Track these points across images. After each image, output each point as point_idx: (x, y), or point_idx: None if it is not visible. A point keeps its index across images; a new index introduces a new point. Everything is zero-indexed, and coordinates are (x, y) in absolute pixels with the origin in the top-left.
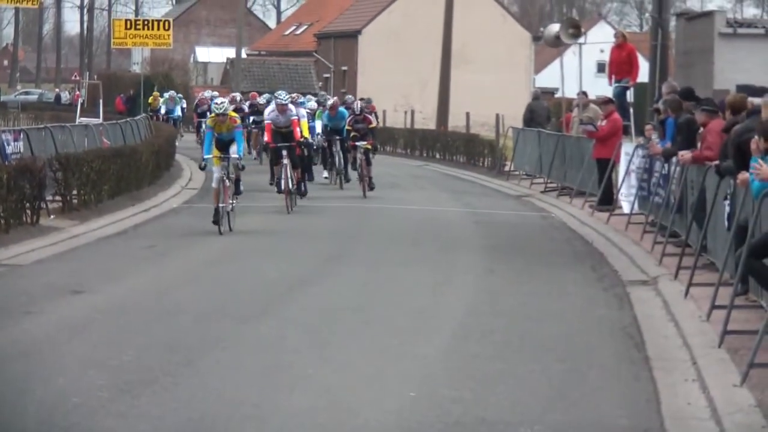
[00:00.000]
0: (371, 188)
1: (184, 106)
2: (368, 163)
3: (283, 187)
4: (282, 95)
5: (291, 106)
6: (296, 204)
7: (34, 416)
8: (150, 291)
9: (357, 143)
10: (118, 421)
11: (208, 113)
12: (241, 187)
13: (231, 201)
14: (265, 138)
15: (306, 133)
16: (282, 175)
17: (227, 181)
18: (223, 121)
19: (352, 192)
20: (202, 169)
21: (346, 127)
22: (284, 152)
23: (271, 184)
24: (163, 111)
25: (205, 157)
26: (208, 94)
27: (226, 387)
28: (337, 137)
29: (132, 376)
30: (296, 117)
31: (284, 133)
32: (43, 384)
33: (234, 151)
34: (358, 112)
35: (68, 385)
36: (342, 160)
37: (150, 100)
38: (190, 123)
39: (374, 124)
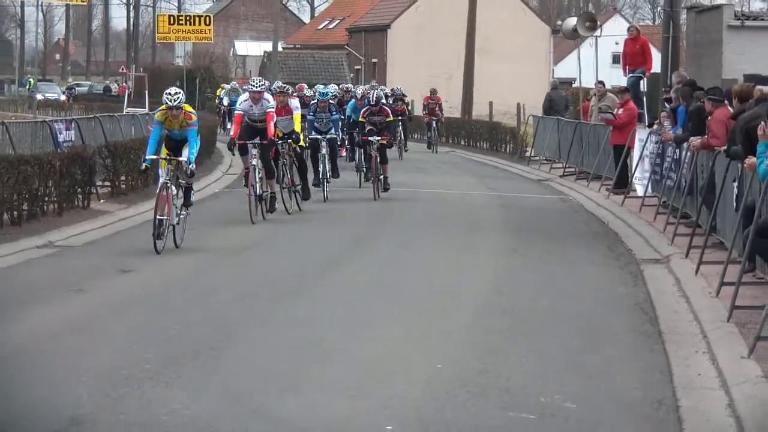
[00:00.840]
0: (386, 189)
1: None
2: (383, 161)
3: (248, 192)
4: (256, 81)
5: (268, 95)
6: (271, 211)
7: (86, 387)
8: (192, 271)
9: (370, 138)
10: (164, 391)
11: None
12: (192, 197)
13: (179, 213)
14: (232, 131)
15: (297, 128)
16: (250, 178)
17: (173, 188)
18: (176, 115)
19: (368, 192)
20: (143, 171)
21: (360, 119)
22: (253, 151)
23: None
24: (225, 102)
25: (147, 157)
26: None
27: (263, 360)
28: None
29: (176, 350)
30: (272, 109)
31: (259, 129)
32: (94, 357)
33: (185, 154)
34: (374, 103)
35: (117, 358)
36: (361, 156)
37: (218, 91)
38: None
39: (398, 116)
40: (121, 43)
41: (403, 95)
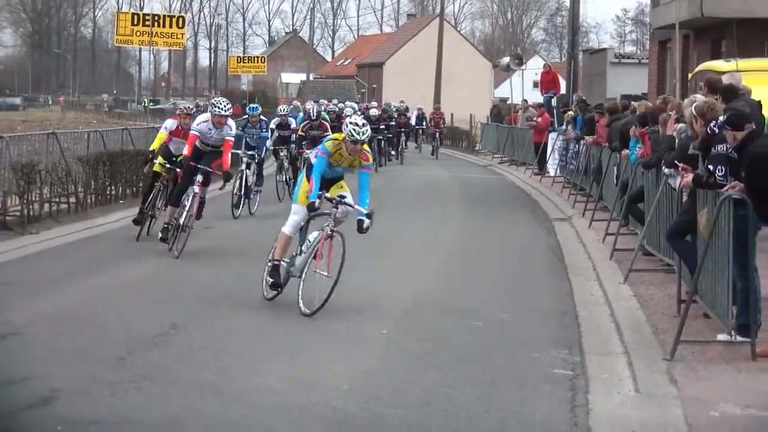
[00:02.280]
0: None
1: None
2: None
3: (181, 222)
4: (222, 104)
5: (231, 122)
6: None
7: (180, 310)
8: (249, 231)
9: (306, 152)
10: (220, 312)
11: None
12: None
13: (323, 272)
14: (185, 151)
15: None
16: (186, 202)
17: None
18: (355, 150)
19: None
20: (312, 210)
21: (299, 133)
22: (200, 177)
23: (138, 219)
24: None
25: (316, 193)
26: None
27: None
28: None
29: (237, 288)
30: (232, 138)
31: (211, 154)
32: (185, 287)
33: (351, 200)
34: (314, 117)
35: (206, 286)
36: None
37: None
38: None
39: (400, 128)
40: (205, 74)
41: (406, 110)
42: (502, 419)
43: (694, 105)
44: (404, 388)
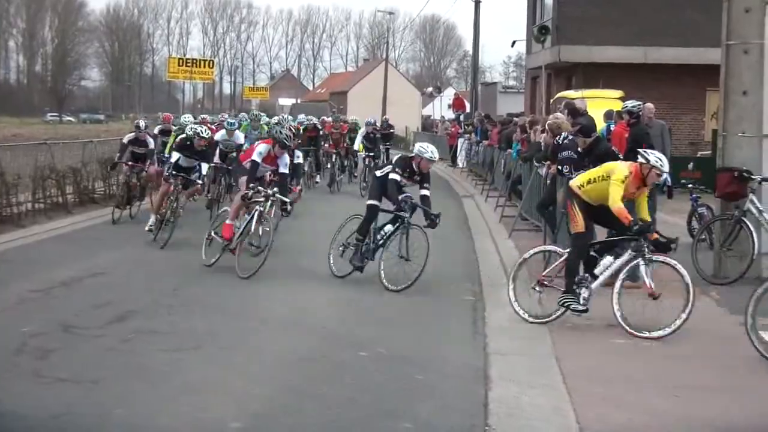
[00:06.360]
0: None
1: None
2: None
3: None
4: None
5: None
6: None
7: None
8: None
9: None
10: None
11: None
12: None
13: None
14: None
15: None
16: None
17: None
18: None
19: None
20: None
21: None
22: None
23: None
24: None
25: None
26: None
27: (304, 240)
28: None
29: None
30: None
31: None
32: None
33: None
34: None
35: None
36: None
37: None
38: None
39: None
40: (227, 99)
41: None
42: (424, 329)
43: (547, 124)
44: (367, 308)
